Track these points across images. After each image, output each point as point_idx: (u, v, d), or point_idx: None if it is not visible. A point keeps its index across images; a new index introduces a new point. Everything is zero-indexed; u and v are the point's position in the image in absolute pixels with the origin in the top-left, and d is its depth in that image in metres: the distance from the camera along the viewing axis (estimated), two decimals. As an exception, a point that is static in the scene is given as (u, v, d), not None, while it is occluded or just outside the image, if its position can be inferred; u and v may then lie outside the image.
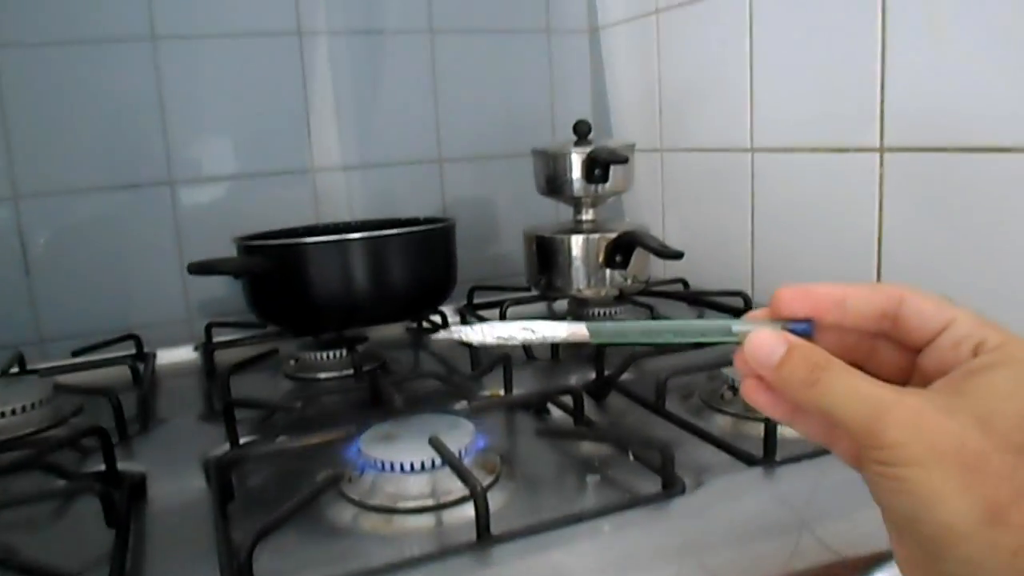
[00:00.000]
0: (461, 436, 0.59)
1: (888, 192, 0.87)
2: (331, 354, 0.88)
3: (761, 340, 0.35)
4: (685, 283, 1.13)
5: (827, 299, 0.37)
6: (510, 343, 0.39)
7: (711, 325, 0.38)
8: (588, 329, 0.39)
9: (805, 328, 0.37)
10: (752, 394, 0.37)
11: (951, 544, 0.30)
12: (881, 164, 0.87)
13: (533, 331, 0.39)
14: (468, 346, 0.85)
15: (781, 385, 0.35)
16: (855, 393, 0.32)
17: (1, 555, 0.48)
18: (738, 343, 0.37)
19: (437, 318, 1.01)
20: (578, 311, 1.02)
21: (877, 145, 0.87)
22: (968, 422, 0.30)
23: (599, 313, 1.00)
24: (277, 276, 0.84)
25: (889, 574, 0.45)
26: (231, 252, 0.89)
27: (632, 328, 0.40)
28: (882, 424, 0.31)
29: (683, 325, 0.39)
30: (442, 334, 0.40)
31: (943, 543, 0.30)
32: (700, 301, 1.05)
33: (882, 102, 0.85)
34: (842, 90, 0.90)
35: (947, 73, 0.78)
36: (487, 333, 0.39)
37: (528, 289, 1.08)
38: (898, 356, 0.37)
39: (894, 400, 0.31)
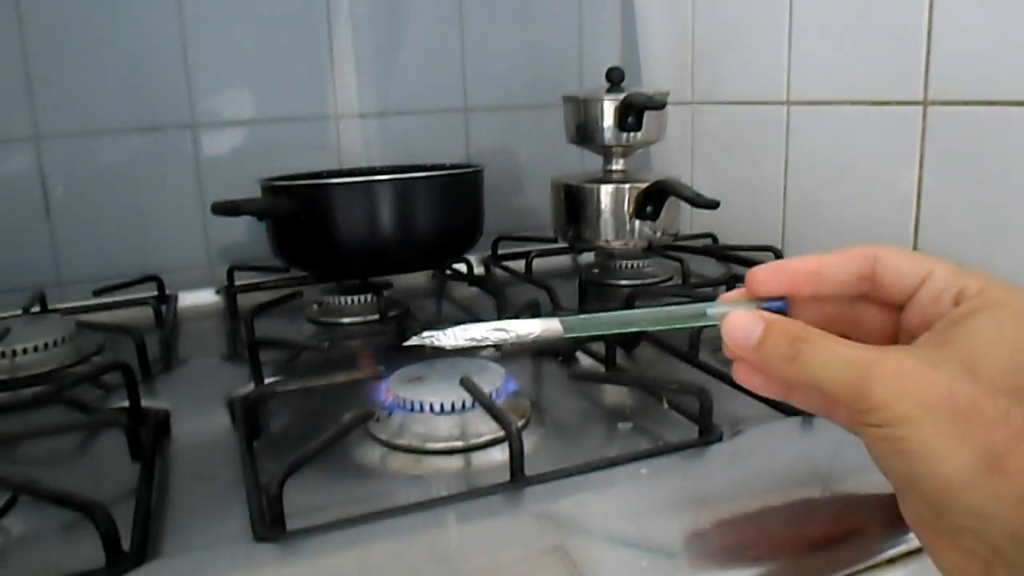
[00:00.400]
0: (492, 379, 0.58)
1: (929, 147, 0.84)
2: (355, 299, 0.87)
3: (737, 322, 0.35)
4: (714, 238, 1.11)
5: (802, 273, 0.37)
6: (483, 344, 0.38)
7: (686, 310, 0.39)
8: (561, 324, 0.38)
9: (780, 306, 0.37)
10: (745, 378, 0.38)
11: (952, 497, 0.30)
12: (924, 117, 0.84)
13: (506, 330, 0.38)
14: (492, 293, 0.84)
15: (764, 364, 0.35)
16: (837, 359, 0.32)
17: (26, 483, 0.47)
18: (715, 325, 0.38)
19: (462, 267, 1.00)
20: (605, 264, 1.00)
21: (921, 98, 0.84)
22: (955, 371, 0.30)
23: (627, 266, 0.98)
24: (302, 218, 0.82)
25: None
26: (253, 197, 0.88)
27: (606, 319, 0.39)
28: (867, 385, 0.31)
29: (657, 312, 0.39)
30: (414, 340, 0.40)
31: (945, 497, 0.30)
32: (729, 256, 1.03)
33: (928, 52, 0.82)
34: (886, 40, 0.87)
35: (997, 23, 0.76)
36: (459, 336, 0.38)
37: (554, 240, 1.06)
38: (882, 318, 0.37)
39: (876, 359, 0.31)
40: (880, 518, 0.43)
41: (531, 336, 0.38)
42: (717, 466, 0.50)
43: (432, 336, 0.38)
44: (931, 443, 0.30)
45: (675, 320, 0.39)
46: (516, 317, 0.79)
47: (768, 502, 0.45)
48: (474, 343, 0.39)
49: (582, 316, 0.39)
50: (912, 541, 0.42)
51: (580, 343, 0.71)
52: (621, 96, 0.92)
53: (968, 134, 0.80)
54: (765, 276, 0.37)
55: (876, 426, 0.31)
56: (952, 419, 0.29)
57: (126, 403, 0.63)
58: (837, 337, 0.33)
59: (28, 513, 0.49)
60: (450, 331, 0.38)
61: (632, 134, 0.92)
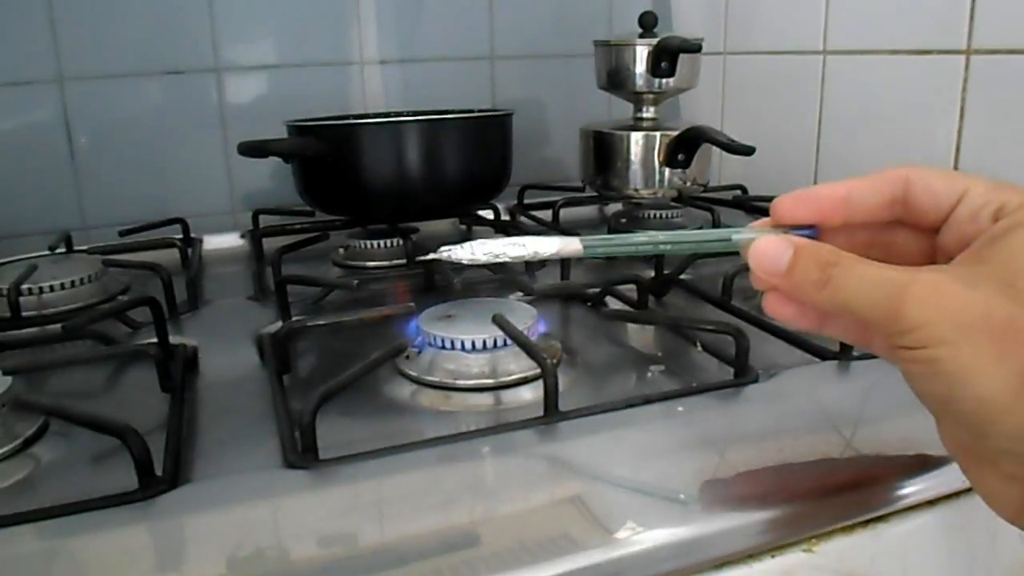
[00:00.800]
0: (523, 318, 0.57)
1: (971, 98, 0.82)
2: (382, 243, 0.86)
3: (765, 247, 0.34)
4: (744, 189, 1.09)
5: (830, 200, 0.35)
6: (501, 260, 0.37)
7: (710, 235, 0.37)
8: (581, 242, 0.37)
9: (809, 235, 0.35)
10: (776, 309, 0.36)
11: (992, 419, 0.29)
12: (967, 67, 0.82)
13: (524, 245, 0.37)
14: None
15: (794, 290, 0.33)
16: (869, 282, 0.30)
17: (58, 408, 0.47)
18: (737, 252, 0.36)
19: (489, 213, 0.99)
20: (633, 213, 0.99)
21: (964, 47, 0.82)
22: (992, 289, 0.29)
23: (655, 216, 0.97)
24: (329, 159, 0.81)
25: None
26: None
27: (627, 239, 0.38)
28: (901, 307, 0.29)
29: (680, 235, 0.38)
30: (430, 255, 0.39)
31: (984, 419, 0.29)
32: (759, 208, 1.01)
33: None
34: (929, -13, 0.84)
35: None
36: (476, 251, 0.37)
37: (581, 190, 1.05)
38: (917, 242, 0.36)
39: (910, 279, 0.29)
40: (912, 464, 0.43)
41: (549, 253, 0.37)
42: (752, 406, 0.49)
43: (448, 250, 0.37)
44: (967, 364, 0.28)
45: (699, 244, 0.38)
46: (543, 265, 0.79)
47: (801, 442, 0.44)
48: (491, 258, 0.37)
49: (604, 236, 0.38)
50: (939, 488, 0.42)
51: (610, 287, 0.70)
52: (654, 41, 0.90)
53: (1013, 84, 0.77)
54: (791, 204, 0.35)
55: (911, 348, 0.30)
56: (989, 339, 0.28)
57: (153, 339, 0.63)
58: (868, 260, 0.32)
59: (56, 443, 0.49)
60: (467, 245, 0.37)
61: (665, 80, 0.91)
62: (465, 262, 0.37)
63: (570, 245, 0.37)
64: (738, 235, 0.36)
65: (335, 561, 0.35)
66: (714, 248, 0.37)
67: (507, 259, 0.37)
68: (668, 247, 0.38)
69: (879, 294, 0.30)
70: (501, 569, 0.34)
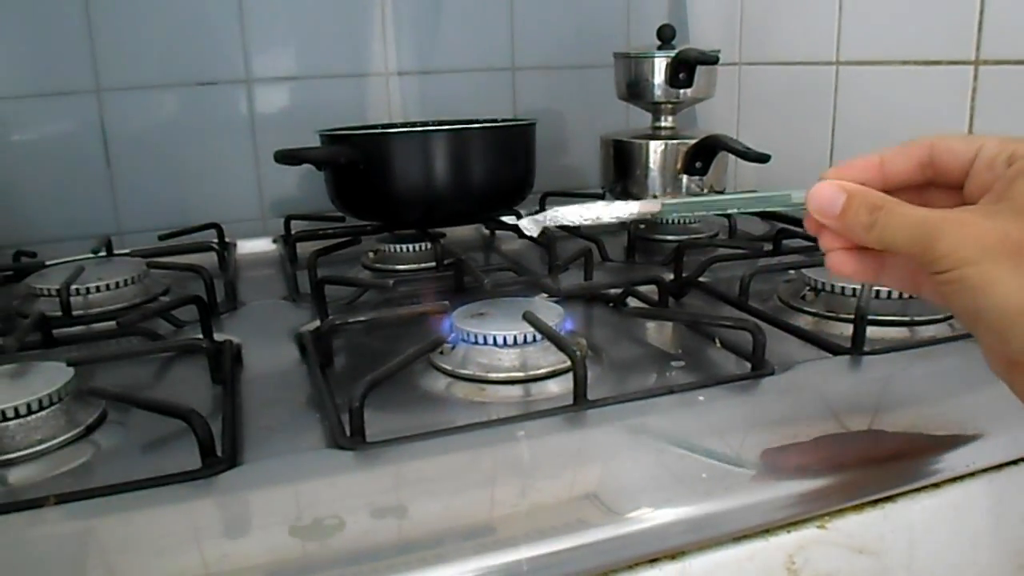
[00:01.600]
0: (551, 316, 0.60)
1: (980, 107, 0.85)
2: (411, 247, 0.89)
3: (822, 191, 0.39)
4: (759, 196, 1.12)
5: (866, 169, 0.40)
6: (596, 221, 0.43)
7: (773, 194, 0.42)
8: (661, 204, 0.43)
9: None
10: (839, 265, 0.41)
11: (1012, 322, 0.34)
12: (975, 78, 0.85)
13: (617, 213, 0.43)
14: (543, 244, 0.86)
15: (846, 231, 0.38)
16: (909, 222, 0.36)
17: (123, 394, 0.50)
18: (798, 205, 0.41)
19: (513, 219, 1.02)
20: (652, 220, 1.01)
21: (973, 57, 0.85)
22: (1009, 218, 0.34)
23: (674, 221, 1.00)
24: (361, 167, 0.85)
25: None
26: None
27: (699, 201, 0.44)
28: (933, 239, 0.35)
29: (747, 196, 0.42)
30: (535, 218, 0.44)
31: (1007, 323, 0.34)
32: (775, 215, 1.04)
33: (981, 10, 0.83)
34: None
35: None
36: (578, 213, 0.43)
37: (601, 196, 1.08)
38: (949, 199, 0.40)
39: (942, 217, 0.35)
40: (919, 448, 0.46)
41: (633, 213, 0.43)
42: (768, 397, 0.52)
43: (552, 214, 0.43)
44: (988, 277, 0.34)
45: (763, 203, 0.42)
46: (566, 267, 0.83)
47: (815, 428, 0.47)
48: (587, 221, 0.43)
49: (679, 198, 0.43)
50: (944, 472, 0.45)
51: (631, 288, 0.73)
52: (672, 53, 0.93)
53: (1021, 93, 0.80)
54: (833, 174, 0.40)
55: (943, 272, 0.35)
56: (1007, 256, 0.33)
57: (199, 336, 0.66)
58: (909, 204, 0.37)
59: (115, 430, 0.53)
60: (561, 210, 0.43)
61: (683, 91, 0.94)
62: (569, 222, 0.43)
63: (650, 206, 0.43)
64: (797, 194, 0.41)
65: (389, 530, 0.38)
66: (777, 205, 0.42)
67: (603, 220, 0.43)
68: (737, 207, 0.43)
69: (917, 232, 0.35)
70: (538, 538, 0.37)
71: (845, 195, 0.38)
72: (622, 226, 1.09)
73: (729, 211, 0.43)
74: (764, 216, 1.06)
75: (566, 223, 0.44)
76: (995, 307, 0.34)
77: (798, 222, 1.01)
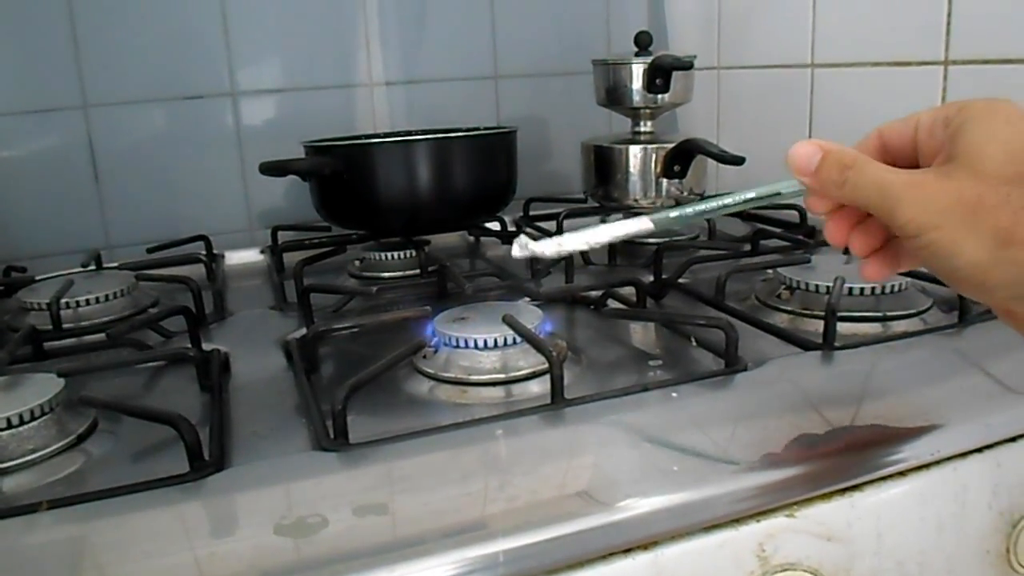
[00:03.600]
0: (530, 319, 0.62)
1: (950, 106, 0.87)
2: (396, 255, 0.91)
3: (801, 150, 0.40)
4: (739, 197, 1.14)
5: None
6: (595, 246, 0.44)
7: (760, 189, 0.43)
8: (651, 220, 0.43)
9: None
10: (837, 237, 0.42)
11: (984, 277, 0.36)
12: (945, 78, 0.87)
13: (615, 233, 0.43)
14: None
15: (821, 188, 0.40)
16: (875, 185, 0.38)
17: (113, 402, 0.51)
18: (793, 192, 0.42)
19: (495, 225, 1.04)
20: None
21: (942, 58, 0.87)
22: (962, 175, 0.36)
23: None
24: (345, 177, 0.86)
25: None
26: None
27: (688, 209, 0.44)
28: (894, 206, 0.37)
29: (734, 195, 0.43)
30: (535, 245, 0.44)
31: (980, 280, 0.36)
32: (756, 215, 1.06)
33: (949, 13, 0.85)
34: (907, 1, 0.89)
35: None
36: (575, 241, 0.44)
37: (583, 201, 1.10)
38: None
39: (902, 182, 0.37)
40: (885, 438, 0.47)
41: (628, 233, 0.43)
42: (740, 392, 0.54)
43: (553, 243, 0.44)
44: (952, 238, 0.36)
45: (750, 199, 0.43)
46: (548, 272, 0.84)
47: (784, 420, 0.49)
48: (588, 246, 0.44)
49: (669, 210, 0.44)
50: (910, 460, 0.47)
51: (611, 290, 0.74)
52: (649, 59, 0.95)
53: (989, 91, 0.82)
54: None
55: (912, 236, 0.37)
56: (964, 215, 0.35)
57: (187, 346, 0.68)
58: (880, 164, 0.38)
59: (105, 439, 0.54)
60: (557, 239, 0.44)
61: (660, 96, 0.96)
62: (570, 251, 0.44)
63: (642, 225, 0.43)
64: (786, 182, 0.42)
65: (370, 528, 0.40)
66: (764, 202, 0.43)
67: (600, 244, 0.44)
68: (726, 208, 0.43)
69: (881, 196, 0.37)
70: (514, 531, 0.39)
71: (821, 153, 0.40)
72: (605, 230, 1.11)
73: (719, 213, 0.44)
74: (743, 217, 1.08)
75: (571, 250, 0.45)
76: (965, 266, 0.36)
77: (776, 223, 1.03)
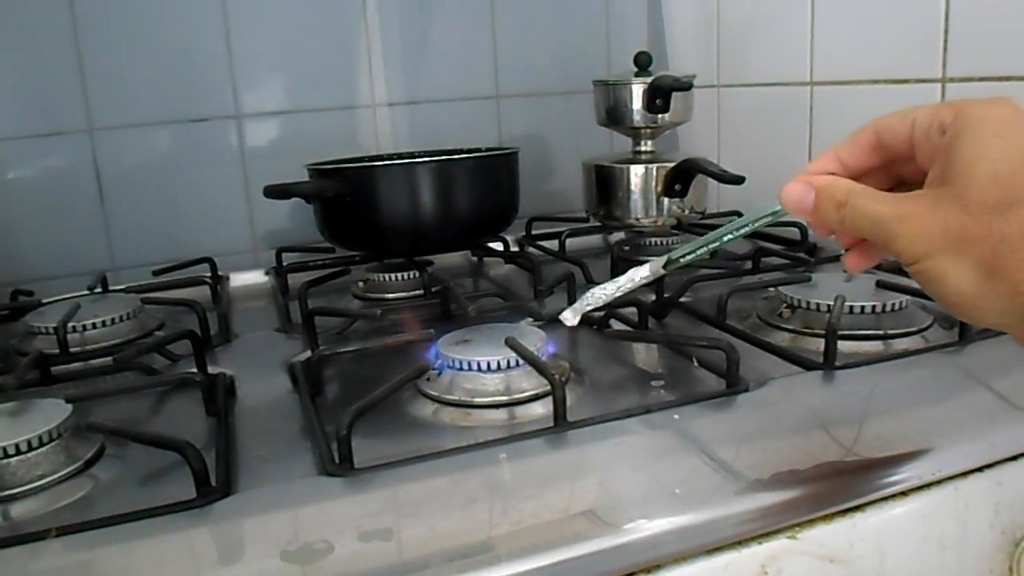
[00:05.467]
0: (533, 341, 0.62)
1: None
2: (400, 275, 0.92)
3: (792, 191, 0.42)
4: (740, 215, 1.14)
5: (827, 164, 0.42)
6: (616, 297, 0.49)
7: (758, 210, 0.44)
8: (663, 264, 0.47)
9: None
10: (855, 265, 0.44)
11: (971, 305, 0.37)
12: (943, 95, 0.88)
13: (633, 280, 0.48)
14: (528, 269, 0.88)
15: (822, 225, 0.41)
16: (868, 218, 0.39)
17: (120, 428, 0.52)
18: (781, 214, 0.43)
19: (499, 246, 1.04)
20: (635, 241, 1.04)
21: (939, 75, 0.87)
22: (950, 205, 0.36)
23: (656, 243, 1.02)
24: (349, 199, 0.87)
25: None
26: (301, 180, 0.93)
27: (696, 243, 0.46)
28: (890, 238, 0.38)
29: (736, 222, 0.45)
30: (575, 308, 0.51)
31: (968, 308, 0.38)
32: (756, 232, 1.06)
33: (946, 31, 0.86)
34: (905, 20, 0.90)
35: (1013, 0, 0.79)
36: (593, 300, 0.50)
37: (585, 220, 1.10)
38: (913, 169, 0.41)
39: (895, 216, 0.38)
40: (886, 458, 0.48)
41: (646, 278, 0.48)
42: (742, 413, 0.55)
43: (573, 311, 0.50)
44: (941, 268, 0.37)
45: (753, 220, 0.45)
46: (551, 291, 0.85)
47: (785, 442, 0.49)
48: (611, 298, 0.49)
49: (675, 249, 0.47)
50: (911, 481, 0.47)
51: (613, 311, 0.75)
52: (649, 79, 0.96)
53: (985, 110, 0.83)
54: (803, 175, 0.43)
55: (908, 265, 0.38)
56: (951, 247, 0.36)
57: (193, 369, 0.68)
58: (873, 194, 0.39)
59: (113, 464, 0.54)
60: (581, 301, 0.50)
61: (660, 115, 0.96)
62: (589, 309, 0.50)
63: (655, 267, 0.47)
64: (778, 205, 0.43)
65: (375, 553, 0.40)
66: (766, 219, 0.44)
67: (620, 294, 0.49)
68: (732, 235, 0.45)
69: (876, 229, 0.38)
70: (519, 556, 0.39)
71: (814, 192, 0.41)
72: (606, 248, 1.12)
73: (727, 240, 0.45)
74: (747, 234, 1.08)
75: (600, 304, 0.50)
76: (954, 293, 0.37)
77: (777, 240, 1.04)
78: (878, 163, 0.42)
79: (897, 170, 0.43)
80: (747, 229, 0.45)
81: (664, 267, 0.47)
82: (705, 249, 0.46)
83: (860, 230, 0.39)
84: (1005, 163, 0.35)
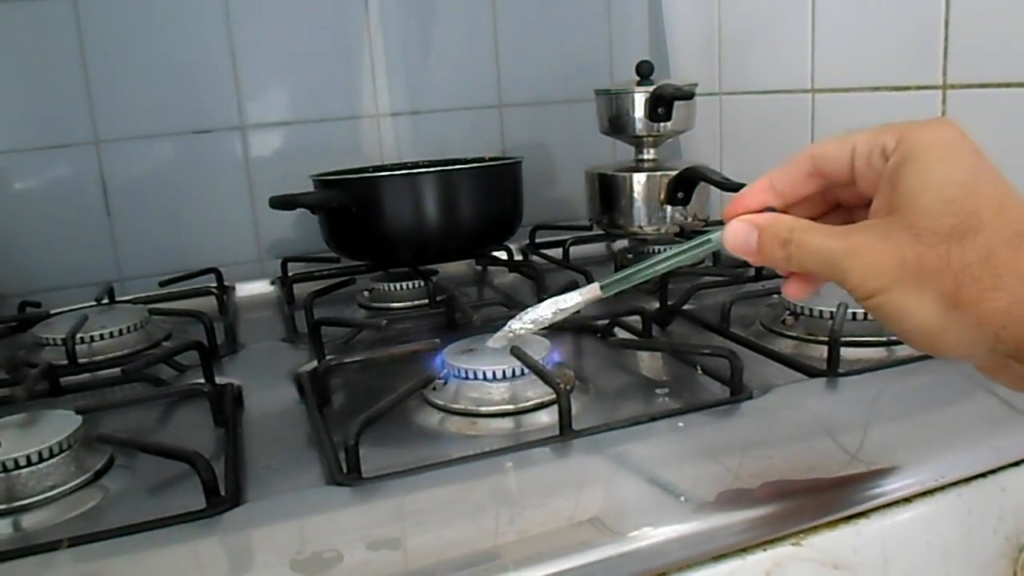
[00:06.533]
0: (538, 349, 0.63)
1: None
2: (404, 285, 0.92)
3: (736, 232, 0.40)
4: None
5: (761, 193, 0.41)
6: (545, 324, 0.49)
7: (696, 242, 0.43)
8: (600, 288, 0.46)
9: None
10: (796, 293, 0.42)
11: (936, 339, 0.36)
12: (943, 101, 0.88)
13: (562, 307, 0.48)
14: (532, 278, 0.88)
15: (767, 263, 0.40)
16: (816, 254, 0.37)
17: (130, 440, 0.52)
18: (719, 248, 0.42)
19: (503, 254, 1.05)
20: (639, 249, 1.04)
21: (940, 82, 0.88)
22: (902, 236, 0.35)
23: (660, 251, 1.02)
24: (353, 210, 0.88)
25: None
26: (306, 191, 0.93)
27: (634, 270, 0.45)
28: (841, 274, 0.36)
29: (675, 251, 0.44)
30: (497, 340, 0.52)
31: (933, 340, 0.36)
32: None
33: (946, 38, 0.86)
34: (905, 27, 0.90)
35: (1013, 6, 0.79)
36: (526, 320, 0.49)
37: (589, 228, 1.11)
38: (855, 196, 0.40)
39: (842, 249, 0.36)
40: (889, 464, 0.48)
41: (579, 303, 0.47)
42: (746, 420, 0.55)
43: (502, 335, 0.50)
44: (900, 303, 0.35)
45: (689, 253, 0.43)
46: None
47: (789, 449, 0.50)
48: (539, 325, 0.49)
49: (615, 275, 0.46)
50: (914, 487, 0.47)
51: (617, 319, 0.76)
52: (651, 88, 0.96)
53: (986, 116, 0.83)
54: (733, 206, 0.41)
55: (863, 300, 0.36)
56: (909, 280, 0.35)
57: (200, 380, 0.69)
58: (818, 229, 0.38)
59: (122, 474, 0.55)
60: (510, 325, 0.49)
61: (662, 124, 0.97)
62: (522, 330, 0.49)
63: (591, 292, 0.47)
64: (715, 234, 0.42)
65: (384, 562, 0.40)
66: (703, 250, 0.43)
67: (549, 321, 0.49)
68: (668, 265, 0.44)
69: (825, 265, 0.37)
70: (526, 564, 0.40)
71: (756, 232, 0.39)
72: (610, 256, 1.12)
73: (660, 270, 0.45)
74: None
75: (527, 331, 0.49)
76: (916, 328, 0.35)
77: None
78: (815, 190, 0.41)
79: (835, 195, 0.42)
80: (688, 258, 0.43)
81: (603, 292, 0.46)
82: (640, 279, 0.45)
83: (808, 267, 0.38)
84: (954, 188, 0.34)
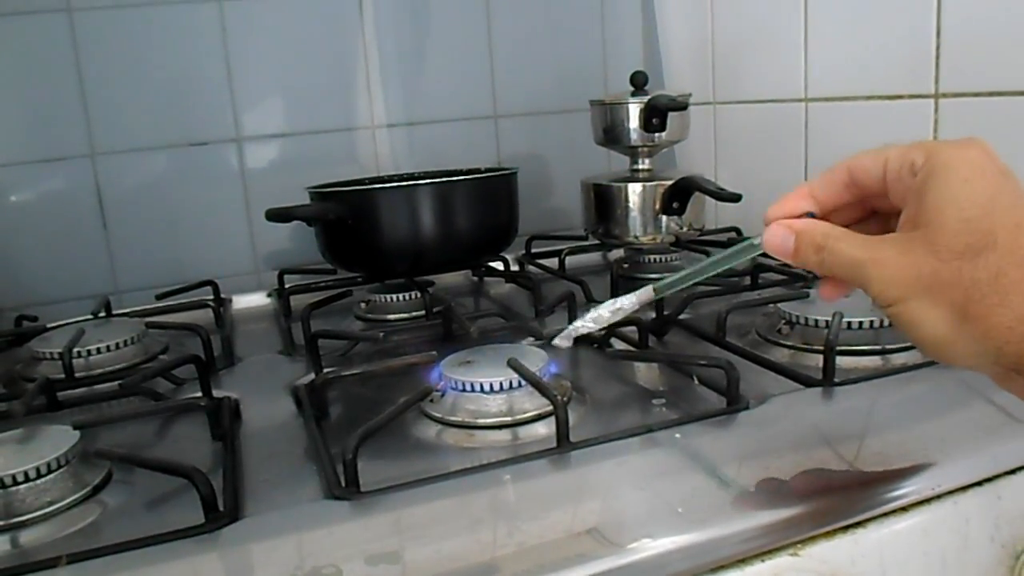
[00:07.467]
0: (535, 361, 0.63)
1: (942, 137, 0.88)
2: (401, 296, 0.92)
3: (775, 235, 0.43)
4: (738, 231, 1.15)
5: (801, 200, 0.44)
6: (605, 324, 0.53)
7: (738, 247, 0.46)
8: (653, 289, 0.50)
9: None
10: (830, 295, 0.44)
11: (946, 351, 0.38)
12: (936, 110, 0.89)
13: (620, 307, 0.51)
14: (529, 288, 0.89)
15: (803, 265, 0.42)
16: (846, 262, 0.40)
17: (128, 455, 0.52)
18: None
19: (499, 265, 1.05)
20: (634, 259, 1.05)
21: (932, 91, 0.88)
22: (921, 251, 0.37)
23: (655, 260, 1.03)
24: (349, 222, 0.88)
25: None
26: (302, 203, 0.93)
27: (686, 273, 0.48)
28: (865, 282, 0.39)
29: (724, 253, 0.47)
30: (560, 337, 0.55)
31: (945, 352, 0.38)
32: (754, 249, 1.07)
33: (938, 47, 0.87)
34: (897, 36, 0.91)
35: (1004, 16, 0.80)
36: (587, 320, 0.52)
37: (584, 238, 1.11)
38: (889, 204, 0.42)
39: (867, 259, 0.39)
40: (886, 474, 0.48)
41: (636, 306, 0.51)
42: (742, 430, 0.55)
43: (568, 333, 0.54)
44: (915, 314, 0.38)
45: (733, 257, 0.47)
46: (551, 310, 0.85)
47: (786, 459, 0.50)
48: (602, 324, 0.53)
49: (669, 277, 0.49)
50: (912, 496, 0.47)
51: (614, 329, 0.76)
52: (645, 99, 0.97)
53: (978, 124, 0.84)
54: (773, 211, 0.44)
55: (883, 308, 0.39)
56: (923, 292, 0.37)
57: (198, 394, 0.69)
58: (850, 238, 0.40)
59: (120, 489, 0.55)
60: (575, 324, 0.53)
61: (657, 134, 0.97)
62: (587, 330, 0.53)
63: (645, 294, 0.51)
64: (758, 239, 0.45)
65: (382, 576, 0.41)
66: (746, 255, 0.46)
67: (610, 321, 0.52)
68: (716, 267, 0.48)
69: (852, 272, 0.40)
70: (525, 577, 0.40)
71: (793, 236, 0.42)
72: (606, 266, 1.12)
73: (712, 273, 0.47)
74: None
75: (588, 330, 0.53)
76: (928, 336, 0.38)
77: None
78: (851, 199, 0.43)
79: (871, 203, 0.44)
80: (730, 261, 0.47)
81: (655, 294, 0.50)
82: (692, 281, 0.49)
83: (838, 272, 0.41)
84: (974, 208, 0.36)
